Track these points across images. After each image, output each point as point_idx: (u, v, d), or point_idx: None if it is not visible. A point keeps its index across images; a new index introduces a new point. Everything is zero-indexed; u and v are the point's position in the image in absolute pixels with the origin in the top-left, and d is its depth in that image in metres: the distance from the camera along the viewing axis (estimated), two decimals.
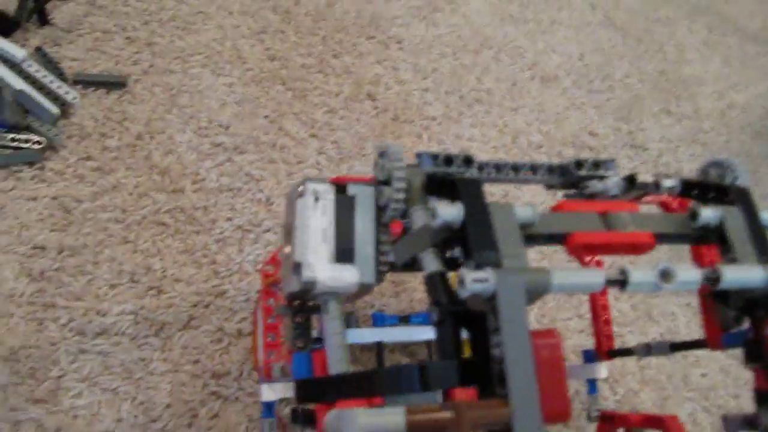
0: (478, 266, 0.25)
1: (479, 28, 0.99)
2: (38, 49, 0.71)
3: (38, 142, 0.62)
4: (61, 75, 0.69)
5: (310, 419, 0.32)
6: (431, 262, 0.27)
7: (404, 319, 0.58)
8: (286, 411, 0.50)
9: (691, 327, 0.71)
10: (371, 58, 0.87)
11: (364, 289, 0.31)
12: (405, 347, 0.59)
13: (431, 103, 0.84)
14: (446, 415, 0.24)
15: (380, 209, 0.31)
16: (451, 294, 0.26)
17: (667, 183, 0.37)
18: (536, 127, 0.87)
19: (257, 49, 0.81)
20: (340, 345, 0.30)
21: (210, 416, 0.51)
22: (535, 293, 0.26)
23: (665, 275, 0.28)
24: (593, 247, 0.30)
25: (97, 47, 0.74)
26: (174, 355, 0.53)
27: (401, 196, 0.30)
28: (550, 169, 0.39)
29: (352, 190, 0.32)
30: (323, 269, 0.29)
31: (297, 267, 0.29)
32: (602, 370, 0.52)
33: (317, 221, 0.30)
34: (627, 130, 0.92)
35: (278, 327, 0.47)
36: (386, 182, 0.30)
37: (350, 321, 0.57)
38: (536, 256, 0.72)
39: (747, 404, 0.66)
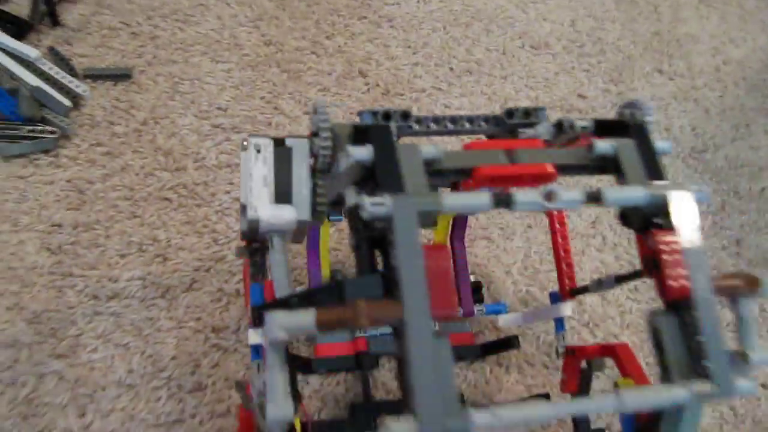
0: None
1: (470, 1, 1.02)
2: (51, 49, 0.77)
3: (53, 132, 0.69)
4: (72, 71, 0.76)
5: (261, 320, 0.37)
6: (351, 197, 0.32)
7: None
8: None
9: None
10: (363, 38, 0.91)
11: (302, 226, 0.36)
12: None
13: (421, 76, 0.88)
14: (348, 312, 0.28)
15: (315, 158, 0.36)
16: (365, 222, 0.31)
17: (581, 123, 0.40)
18: (525, 93, 0.91)
19: (254, 35, 0.87)
20: (284, 274, 0.35)
21: (211, 365, 0.57)
22: (428, 214, 0.30)
23: (549, 195, 0.32)
24: (497, 179, 0.34)
25: (105, 43, 0.80)
26: (178, 313, 0.59)
27: (327, 143, 0.34)
28: (486, 120, 0.43)
29: (289, 142, 0.37)
30: (264, 209, 0.34)
31: (243, 209, 0.35)
32: (566, 308, 0.56)
33: (259, 170, 0.35)
34: (617, 91, 0.95)
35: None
36: (317, 134, 0.35)
37: (336, 275, 0.62)
38: (523, 223, 0.75)
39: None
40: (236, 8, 0.89)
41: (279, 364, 0.31)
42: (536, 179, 0.35)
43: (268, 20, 0.89)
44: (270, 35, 0.87)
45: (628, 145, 0.36)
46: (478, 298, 0.64)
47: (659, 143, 0.38)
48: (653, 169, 0.35)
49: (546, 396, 0.58)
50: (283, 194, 0.35)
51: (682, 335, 0.33)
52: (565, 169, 0.36)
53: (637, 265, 0.72)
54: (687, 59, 1.04)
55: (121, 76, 0.77)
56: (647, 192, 0.34)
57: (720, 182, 0.86)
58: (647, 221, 0.35)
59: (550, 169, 0.35)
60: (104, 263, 0.61)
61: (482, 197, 0.31)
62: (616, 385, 0.46)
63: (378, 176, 0.31)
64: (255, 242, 0.39)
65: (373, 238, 0.31)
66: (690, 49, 1.06)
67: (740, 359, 0.36)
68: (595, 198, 0.33)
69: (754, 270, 0.76)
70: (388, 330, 0.61)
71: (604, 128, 0.39)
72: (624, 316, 0.69)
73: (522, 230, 0.73)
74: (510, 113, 0.42)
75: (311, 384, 0.58)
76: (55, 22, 0.81)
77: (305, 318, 0.29)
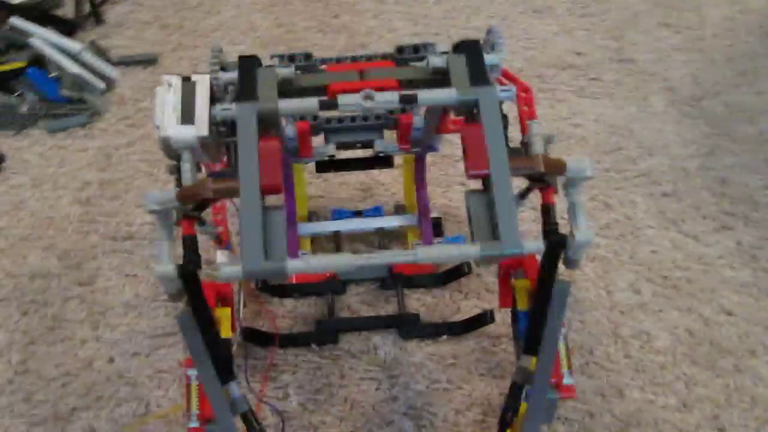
0: None
1: None
2: (92, 42, 0.91)
3: (88, 110, 0.82)
4: (108, 59, 0.89)
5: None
6: (214, 109, 0.41)
7: (358, 213, 0.71)
8: None
9: (650, 213, 0.77)
10: (368, 14, 1.00)
11: (205, 141, 0.45)
12: (359, 235, 0.72)
13: None
14: (197, 187, 0.37)
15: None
16: (229, 127, 0.40)
17: (440, 49, 0.46)
18: (520, 54, 0.95)
19: (268, 19, 0.97)
20: (192, 179, 0.44)
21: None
22: (268, 117, 0.38)
23: (367, 97, 0.39)
24: (346, 92, 0.41)
25: (138, 35, 0.94)
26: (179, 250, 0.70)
27: (217, 75, 0.43)
28: (384, 57, 0.50)
29: (194, 78, 0.46)
30: (172, 128, 0.44)
31: (156, 129, 0.44)
32: None
33: (169, 99, 0.45)
34: (615, 47, 0.97)
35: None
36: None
37: (312, 217, 0.71)
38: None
39: (696, 276, 0.72)
40: None
41: (164, 232, 0.40)
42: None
43: (282, 5, 1.00)
44: (282, 18, 0.98)
45: (459, 59, 0.42)
46: (438, 231, 0.70)
47: (488, 57, 0.43)
48: (478, 77, 0.41)
49: (491, 312, 0.64)
50: (187, 117, 0.44)
51: (485, 209, 0.39)
52: (407, 83, 0.43)
53: (610, 204, 0.76)
54: (698, 11, 1.04)
55: (148, 61, 0.90)
56: (457, 94, 0.40)
57: (714, 127, 0.87)
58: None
59: (393, 83, 0.42)
60: (123, 212, 0.74)
61: (311, 101, 0.39)
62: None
63: (238, 92, 0.40)
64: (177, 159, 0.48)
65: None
66: (703, 2, 1.06)
67: (570, 237, 0.42)
68: (410, 99, 0.40)
69: (737, 207, 0.78)
70: (395, 259, 0.69)
71: (457, 48, 0.45)
72: (591, 250, 0.73)
73: None
74: (400, 49, 0.49)
75: (286, 306, 0.67)
76: (99, 20, 0.95)
77: (170, 194, 0.38)
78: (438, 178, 0.79)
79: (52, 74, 0.85)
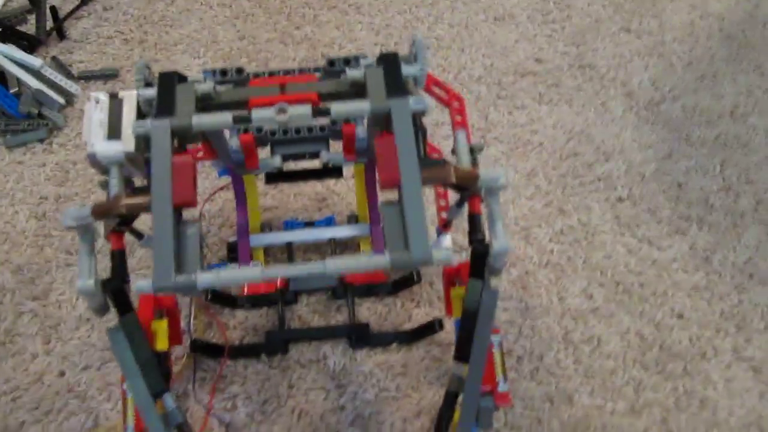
0: None
1: None
2: (53, 58, 0.92)
3: (47, 125, 0.83)
4: (69, 74, 0.90)
5: None
6: (134, 126, 0.41)
7: (310, 224, 0.72)
8: None
9: (605, 218, 0.78)
10: (330, 25, 1.00)
11: (132, 156, 0.45)
12: (312, 245, 0.73)
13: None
14: (110, 203, 0.38)
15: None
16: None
17: (363, 61, 0.47)
18: (480, 62, 0.96)
19: (230, 32, 0.98)
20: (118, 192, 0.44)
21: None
22: (183, 133, 0.39)
23: (281, 110, 0.39)
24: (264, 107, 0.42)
25: (100, 50, 0.94)
26: (132, 263, 0.71)
27: (141, 92, 0.44)
28: (316, 70, 0.51)
29: (121, 95, 0.47)
30: (99, 145, 0.44)
31: (85, 145, 0.45)
32: (446, 240, 0.62)
33: (97, 116, 0.45)
34: (576, 53, 0.98)
35: None
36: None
37: (266, 227, 0.71)
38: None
39: (649, 280, 0.72)
40: (217, 9, 1.01)
41: (84, 247, 0.40)
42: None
43: (244, 17, 1.00)
44: (244, 30, 0.98)
45: (377, 71, 0.43)
46: None
47: (406, 68, 0.44)
48: (395, 88, 0.42)
49: (440, 321, 0.64)
50: (114, 133, 0.45)
51: (399, 219, 0.39)
52: (327, 96, 0.43)
53: (565, 209, 0.77)
54: (660, 17, 1.05)
55: (109, 75, 0.90)
56: (370, 105, 0.40)
57: (672, 131, 0.88)
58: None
59: (313, 96, 0.42)
60: None
61: (225, 116, 0.39)
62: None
63: (155, 109, 0.40)
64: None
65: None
66: (665, 7, 1.07)
67: (489, 246, 0.42)
68: (323, 112, 0.40)
69: (692, 210, 0.78)
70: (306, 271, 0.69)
71: (379, 60, 0.46)
72: (543, 256, 0.73)
73: None
74: (332, 62, 0.49)
75: (237, 317, 0.67)
76: (62, 36, 0.96)
77: (86, 210, 0.38)
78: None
79: (12, 90, 0.85)
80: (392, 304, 0.68)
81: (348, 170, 0.76)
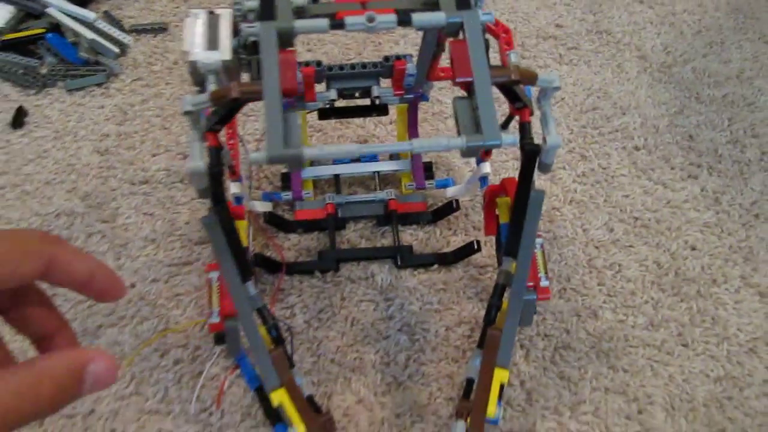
0: None
1: None
2: (105, 12, 0.98)
3: (104, 71, 0.88)
4: (121, 27, 0.96)
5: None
6: (242, 30, 0.47)
7: (356, 160, 0.78)
8: None
9: (623, 164, 0.84)
10: None
11: (227, 65, 0.51)
12: (357, 179, 0.79)
13: None
14: (226, 89, 0.44)
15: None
16: (252, 44, 0.46)
17: None
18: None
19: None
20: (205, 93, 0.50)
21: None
22: (285, 35, 0.45)
23: (370, 19, 0.46)
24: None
25: (148, 7, 1.00)
26: (192, 192, 0.77)
27: (239, 5, 0.50)
28: None
29: (218, 11, 0.53)
30: (199, 53, 0.50)
31: (185, 54, 0.51)
32: (486, 167, 0.68)
33: (197, 28, 0.51)
34: (593, 20, 1.05)
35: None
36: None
37: (314, 163, 0.77)
38: None
39: (664, 217, 0.79)
40: None
41: (195, 134, 0.46)
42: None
43: None
44: None
45: None
46: (429, 175, 0.77)
47: None
48: (462, 3, 0.48)
49: (478, 242, 0.71)
50: (212, 44, 0.51)
51: (470, 111, 0.45)
52: (402, 12, 0.49)
53: (586, 155, 0.83)
54: None
55: (159, 29, 0.96)
56: (446, 15, 0.47)
57: (683, 90, 0.94)
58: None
59: (389, 11, 0.48)
60: (139, 160, 0.80)
61: (322, 21, 0.46)
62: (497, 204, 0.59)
63: (259, 14, 0.46)
64: (202, 85, 0.54)
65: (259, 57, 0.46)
66: None
67: (542, 143, 0.49)
68: (405, 21, 0.46)
69: (702, 159, 0.85)
70: (353, 198, 0.75)
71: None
72: (567, 194, 0.80)
73: None
74: None
75: (291, 240, 0.73)
76: None
77: (203, 96, 0.44)
78: (428, 132, 0.85)
79: (69, 40, 0.91)
80: (432, 231, 0.75)
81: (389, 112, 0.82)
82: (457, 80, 0.45)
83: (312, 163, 0.77)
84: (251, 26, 0.45)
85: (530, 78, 0.47)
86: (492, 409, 0.49)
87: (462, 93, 0.48)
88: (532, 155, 0.50)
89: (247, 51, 0.50)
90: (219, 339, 0.62)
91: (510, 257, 0.54)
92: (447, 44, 0.48)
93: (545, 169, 0.50)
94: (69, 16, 0.95)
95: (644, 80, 0.96)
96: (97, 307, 0.67)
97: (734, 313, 0.70)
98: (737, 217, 0.79)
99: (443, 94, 0.90)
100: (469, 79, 0.45)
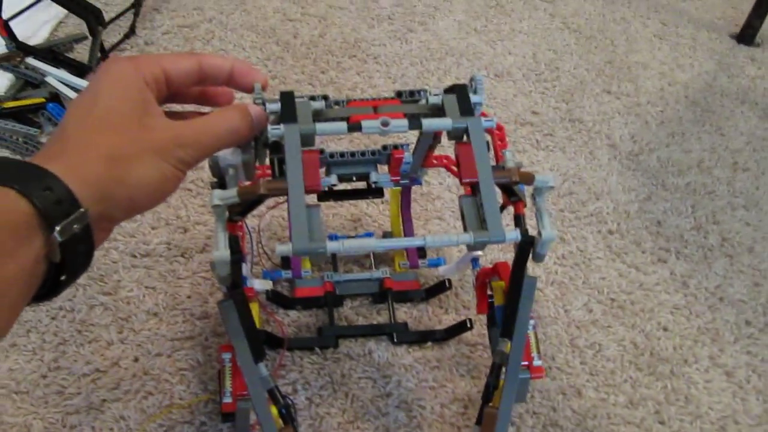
0: None
1: (446, 41, 1.23)
2: None
3: None
4: None
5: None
6: (268, 131, 0.51)
7: (351, 238, 0.82)
8: None
9: (598, 247, 0.90)
10: (352, 72, 1.12)
11: (246, 160, 0.55)
12: (352, 258, 0.83)
13: None
14: (255, 186, 0.47)
15: None
16: (273, 144, 0.50)
17: (434, 92, 0.58)
18: (484, 111, 1.09)
19: (262, 72, 1.09)
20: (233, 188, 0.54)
21: (215, 301, 0.76)
22: (306, 137, 0.49)
23: (384, 123, 0.50)
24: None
25: None
26: (193, 266, 0.79)
27: (268, 105, 0.54)
28: (388, 98, 0.62)
29: None
30: (222, 151, 0.54)
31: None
32: (477, 251, 0.73)
33: None
34: (566, 108, 1.13)
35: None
36: None
37: None
38: None
39: (638, 299, 0.84)
40: (249, 51, 1.12)
41: (220, 225, 0.49)
42: None
43: (275, 60, 1.12)
44: (275, 71, 1.09)
45: (451, 97, 0.54)
46: (422, 254, 0.81)
47: (473, 97, 0.55)
48: (465, 110, 0.53)
49: (470, 320, 0.75)
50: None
51: (475, 208, 0.50)
52: (410, 116, 0.54)
53: (565, 238, 0.89)
54: (635, 82, 1.21)
55: None
56: (452, 121, 0.52)
57: (650, 178, 1.02)
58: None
59: (399, 115, 0.53)
60: (140, 232, 0.82)
61: (341, 125, 0.50)
62: (491, 287, 0.63)
63: (281, 117, 0.51)
64: (220, 179, 0.58)
65: (278, 156, 0.50)
66: (639, 74, 1.23)
67: (538, 236, 0.54)
68: (416, 125, 0.51)
69: (670, 244, 0.92)
70: (350, 277, 0.79)
71: (449, 90, 0.57)
72: (549, 275, 0.85)
73: None
74: (399, 93, 0.61)
75: (291, 316, 0.76)
76: None
77: (231, 191, 0.48)
78: (418, 212, 0.90)
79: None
80: (424, 309, 0.79)
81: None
82: (464, 181, 0.50)
83: None
84: (276, 128, 0.49)
85: (528, 179, 0.53)
86: None
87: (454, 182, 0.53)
88: (527, 246, 0.55)
89: (268, 150, 0.54)
90: (226, 417, 0.64)
91: (505, 338, 0.58)
92: (454, 146, 0.53)
93: (539, 258, 0.55)
94: (68, 86, 0.97)
95: (615, 167, 1.03)
96: (101, 381, 0.68)
97: (705, 392, 0.75)
98: (703, 300, 0.85)
99: (431, 177, 0.95)
100: (475, 180, 0.50)
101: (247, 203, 0.54)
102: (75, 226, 0.33)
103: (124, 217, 0.41)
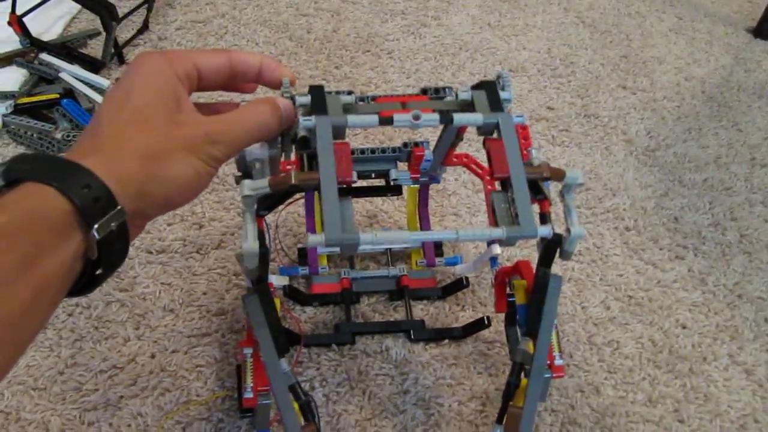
0: None
1: (459, 36, 1.22)
2: (117, 79, 1.00)
3: None
4: None
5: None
6: (298, 125, 0.51)
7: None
8: None
9: (615, 244, 0.89)
10: (366, 67, 1.12)
11: (273, 155, 0.54)
12: (368, 254, 0.82)
13: None
14: (286, 177, 0.47)
15: None
16: (303, 138, 0.50)
17: (462, 88, 0.58)
18: None
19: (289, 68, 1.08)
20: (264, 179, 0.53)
21: (232, 298, 0.76)
22: (337, 129, 0.49)
23: (415, 117, 0.50)
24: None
25: None
26: (209, 263, 0.79)
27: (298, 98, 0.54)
28: (411, 96, 0.61)
29: None
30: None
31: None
32: (496, 248, 0.72)
33: None
34: (581, 104, 1.12)
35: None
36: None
37: None
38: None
39: (655, 296, 0.84)
40: (263, 46, 1.12)
41: (249, 216, 0.49)
42: (418, 119, 0.53)
43: (289, 55, 1.11)
44: (290, 67, 1.09)
45: (481, 93, 0.54)
46: (439, 252, 0.81)
47: (502, 93, 0.55)
48: (495, 106, 0.53)
49: (487, 318, 0.74)
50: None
51: (506, 203, 0.50)
52: (442, 112, 0.54)
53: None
54: (651, 77, 1.20)
55: None
56: (483, 117, 0.51)
57: (667, 174, 1.01)
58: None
59: (428, 111, 0.53)
60: (155, 229, 0.82)
61: (372, 117, 0.50)
62: (511, 285, 0.63)
63: (312, 110, 0.50)
64: (246, 173, 0.57)
65: (309, 151, 0.50)
66: (655, 69, 1.22)
67: (566, 233, 0.53)
68: (448, 120, 0.51)
69: (688, 240, 0.91)
70: (367, 274, 0.79)
71: (477, 87, 0.57)
72: (566, 273, 0.84)
73: (484, 209, 0.91)
74: (425, 90, 0.60)
75: (307, 313, 0.76)
76: (122, 61, 1.04)
77: (263, 182, 0.48)
78: (434, 208, 0.89)
79: (84, 107, 0.93)
80: (441, 306, 0.78)
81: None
82: (496, 176, 0.50)
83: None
84: (308, 119, 0.49)
85: (559, 175, 0.52)
86: None
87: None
88: (554, 244, 0.55)
89: (296, 145, 0.53)
90: (244, 412, 0.64)
91: (528, 337, 0.57)
92: (484, 142, 0.52)
93: (566, 256, 0.55)
94: (82, 81, 0.97)
95: (631, 163, 1.02)
96: (118, 377, 0.68)
97: (724, 390, 0.74)
98: (722, 297, 0.84)
99: (447, 173, 0.94)
100: (507, 176, 0.50)
101: (276, 197, 0.54)
102: (112, 223, 0.34)
103: (158, 214, 0.41)
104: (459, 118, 0.51)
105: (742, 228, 0.94)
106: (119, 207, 0.34)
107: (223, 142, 0.41)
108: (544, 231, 0.48)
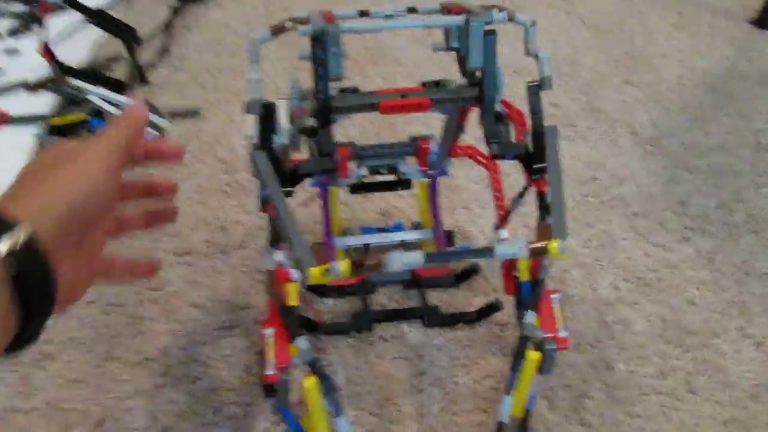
0: None
1: None
2: (144, 99, 1.06)
3: None
4: (157, 113, 1.04)
5: None
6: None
7: (382, 230, 0.85)
8: None
9: (623, 228, 0.92)
10: (376, 76, 1.17)
11: (284, 146, 0.59)
12: (384, 247, 0.86)
13: None
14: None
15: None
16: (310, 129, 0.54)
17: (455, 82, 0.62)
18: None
19: (287, 80, 1.13)
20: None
21: (255, 293, 0.80)
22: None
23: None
24: (393, 108, 0.57)
25: (179, 93, 1.09)
26: (233, 262, 0.83)
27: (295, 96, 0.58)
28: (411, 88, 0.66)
29: (276, 102, 0.61)
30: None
31: (249, 137, 0.59)
32: (503, 233, 0.76)
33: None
34: (586, 100, 1.15)
35: None
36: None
37: (345, 233, 0.85)
38: None
39: (664, 276, 0.86)
40: (276, 63, 1.17)
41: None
42: (418, 107, 0.58)
43: (301, 68, 1.16)
44: (303, 79, 1.14)
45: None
46: (450, 243, 0.85)
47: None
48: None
49: (497, 302, 0.77)
50: (272, 129, 0.59)
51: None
52: (438, 101, 0.58)
53: (590, 222, 0.92)
54: (655, 72, 1.23)
55: (193, 113, 1.05)
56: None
57: (672, 161, 1.04)
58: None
59: (425, 101, 0.57)
60: (182, 233, 0.87)
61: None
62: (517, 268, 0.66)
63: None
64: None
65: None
66: (658, 64, 1.25)
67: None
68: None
69: (695, 222, 0.93)
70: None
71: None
72: (576, 258, 0.87)
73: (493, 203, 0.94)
74: (424, 84, 0.64)
75: (327, 304, 0.80)
76: (144, 81, 1.11)
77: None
78: (444, 202, 0.93)
79: None
80: (455, 293, 0.81)
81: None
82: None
83: (343, 234, 0.84)
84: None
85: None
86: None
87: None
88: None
89: (305, 134, 0.58)
90: (268, 391, 0.68)
91: (532, 311, 0.60)
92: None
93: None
94: (108, 102, 1.03)
95: (637, 153, 1.05)
96: (152, 368, 0.72)
97: (734, 362, 0.76)
98: (730, 275, 0.86)
99: (457, 169, 0.98)
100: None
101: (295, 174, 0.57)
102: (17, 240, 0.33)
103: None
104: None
105: (749, 208, 0.96)
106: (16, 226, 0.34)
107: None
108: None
